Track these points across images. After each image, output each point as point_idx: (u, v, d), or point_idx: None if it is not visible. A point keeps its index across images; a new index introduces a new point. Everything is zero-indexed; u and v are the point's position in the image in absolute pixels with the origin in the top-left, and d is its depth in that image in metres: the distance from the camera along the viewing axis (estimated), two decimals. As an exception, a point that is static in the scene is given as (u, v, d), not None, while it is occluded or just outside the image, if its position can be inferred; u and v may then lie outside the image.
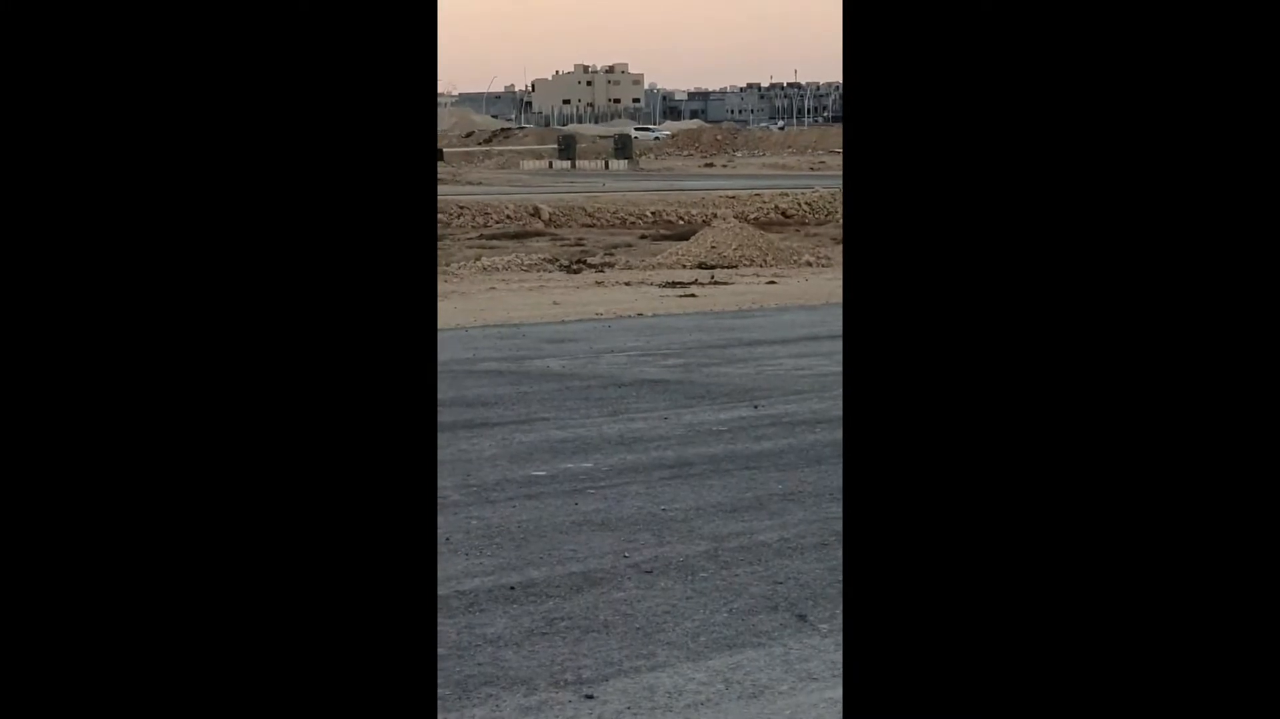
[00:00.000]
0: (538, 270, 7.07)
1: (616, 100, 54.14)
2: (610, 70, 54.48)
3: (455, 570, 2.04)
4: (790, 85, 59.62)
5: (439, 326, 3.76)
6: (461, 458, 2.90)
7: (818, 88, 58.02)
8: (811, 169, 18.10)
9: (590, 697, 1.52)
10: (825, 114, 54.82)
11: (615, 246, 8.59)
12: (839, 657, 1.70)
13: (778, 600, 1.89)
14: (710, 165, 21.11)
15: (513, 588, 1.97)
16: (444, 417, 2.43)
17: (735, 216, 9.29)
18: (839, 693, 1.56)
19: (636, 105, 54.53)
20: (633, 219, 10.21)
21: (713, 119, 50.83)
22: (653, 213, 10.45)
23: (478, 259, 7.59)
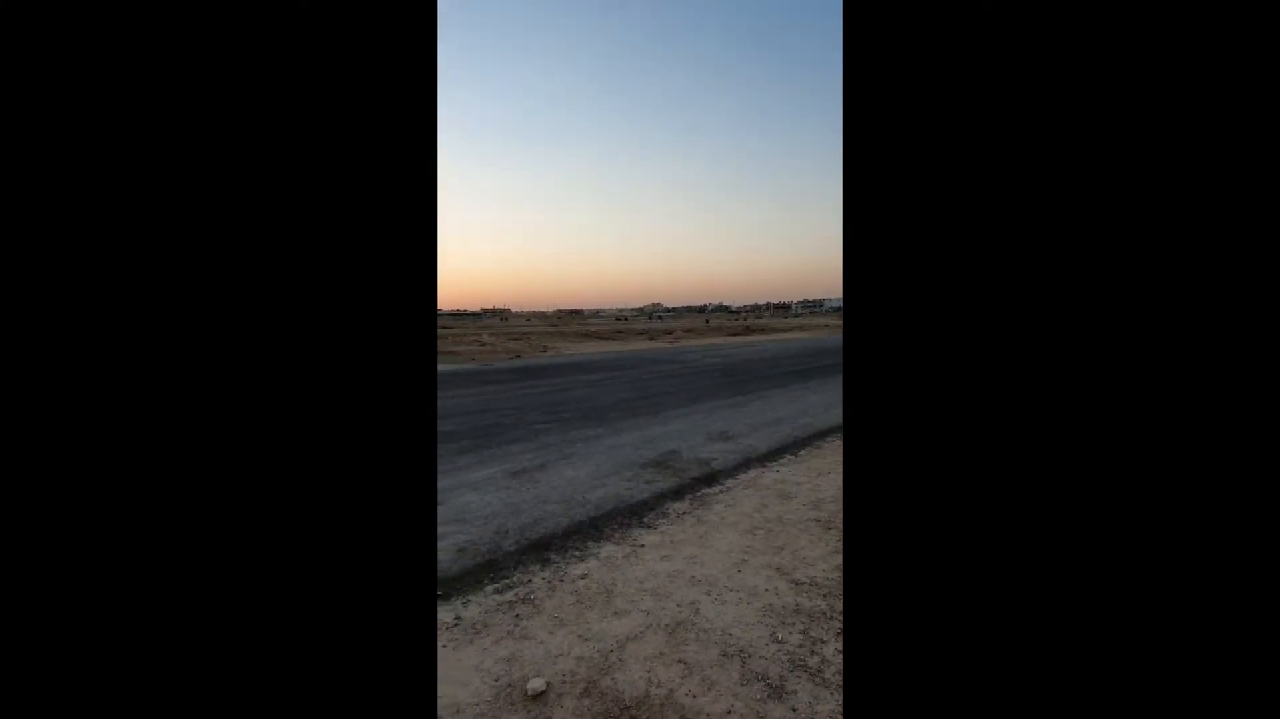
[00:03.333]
0: (634, 339, 20.48)
1: (659, 309, 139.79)
2: (656, 304, 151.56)
3: (583, 409, 6.62)
4: (695, 307, 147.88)
5: (620, 354, 15.83)
6: (595, 382, 8.98)
7: (713, 303, 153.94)
8: (706, 324, 44.15)
9: (616, 433, 5.17)
10: (729, 313, 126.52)
11: (656, 334, 23.85)
12: (683, 424, 5.58)
13: (679, 405, 6.73)
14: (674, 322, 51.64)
15: (621, 402, 6.97)
16: (602, 370, 10.50)
17: (681, 330, 28.51)
18: (682, 425, 5.63)
19: (663, 310, 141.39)
20: (659, 330, 28.22)
21: (678, 316, 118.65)
22: (663, 330, 29.45)
23: (615, 335, 18.49)
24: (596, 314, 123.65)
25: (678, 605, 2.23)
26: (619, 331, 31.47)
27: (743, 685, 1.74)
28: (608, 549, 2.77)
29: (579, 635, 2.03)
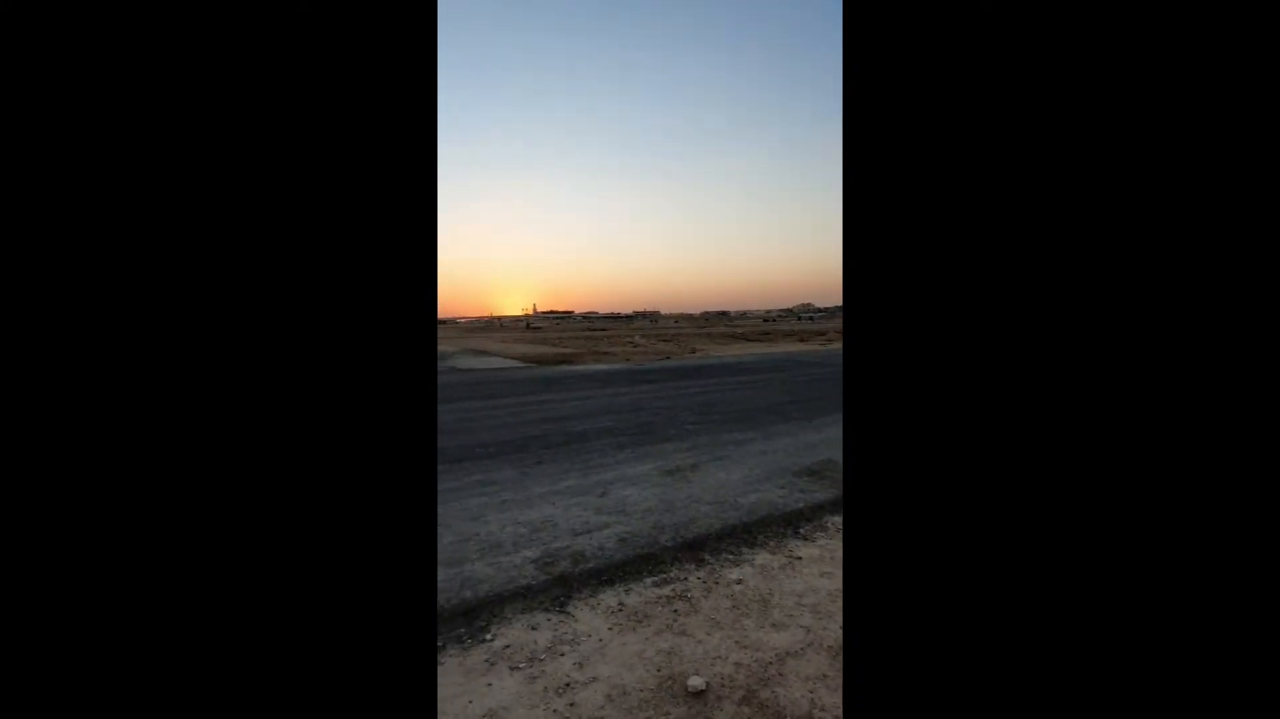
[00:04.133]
0: (782, 340, 19.48)
1: (809, 309, 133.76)
2: (805, 305, 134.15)
3: (733, 412, 6.39)
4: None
5: (768, 356, 15.85)
6: (744, 384, 8.65)
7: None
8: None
9: (768, 438, 4.99)
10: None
11: (807, 335, 22.38)
12: (839, 432, 5.15)
13: (834, 411, 7.04)
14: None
15: (772, 405, 6.53)
16: (750, 372, 10.52)
17: (834, 331, 23.47)
18: (838, 433, 5.13)
19: (814, 310, 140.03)
20: (810, 332, 27.13)
21: (830, 316, 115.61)
22: (814, 331, 27.78)
23: (761, 337, 22.21)
24: (744, 315, 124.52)
25: (841, 627, 2.08)
26: (766, 333, 30.71)
27: (920, 729, 1.56)
28: (762, 557, 2.70)
29: (736, 642, 2.01)
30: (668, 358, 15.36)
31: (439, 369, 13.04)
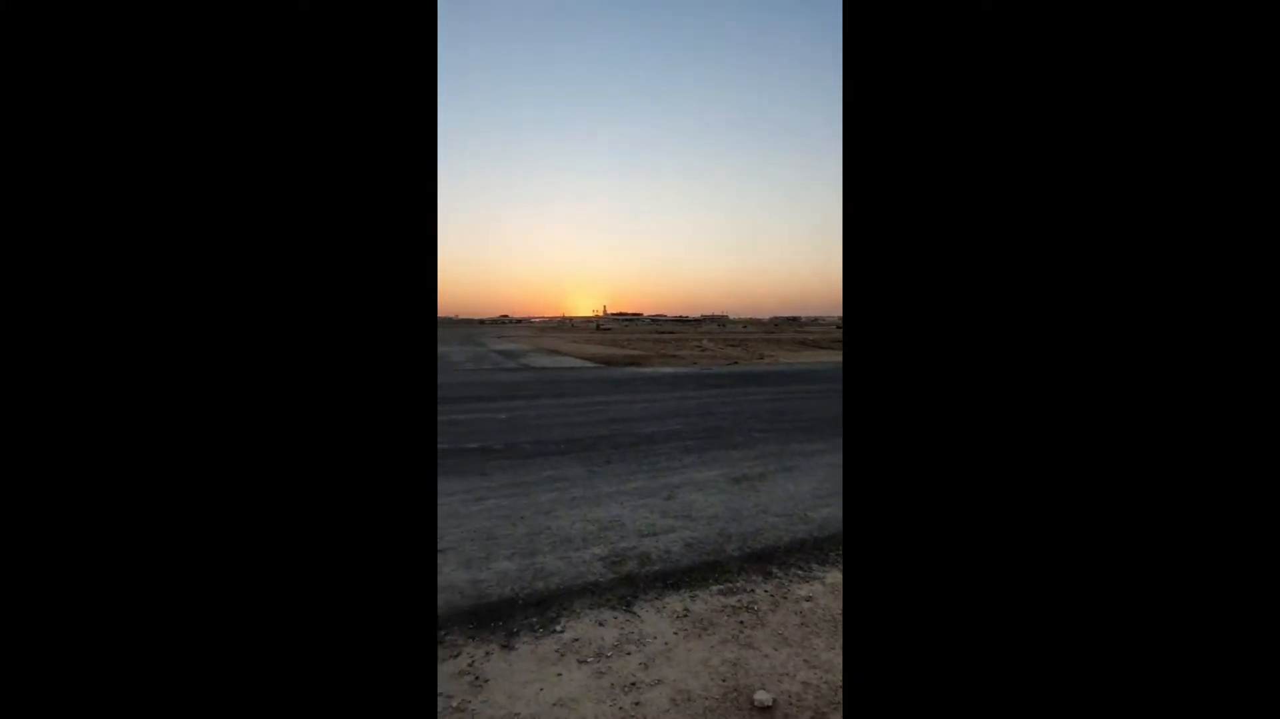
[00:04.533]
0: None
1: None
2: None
3: (802, 422, 6.15)
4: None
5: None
6: (814, 393, 8.30)
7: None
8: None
9: (838, 451, 4.78)
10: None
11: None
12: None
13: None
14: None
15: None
16: (823, 381, 9.91)
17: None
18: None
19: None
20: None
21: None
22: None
23: (834, 344, 23.28)
24: (815, 321, 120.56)
25: (919, 657, 1.97)
26: (838, 340, 29.48)
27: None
28: (833, 576, 2.60)
29: (804, 660, 1.95)
30: (735, 363, 15.13)
31: (514, 365, 13.60)
